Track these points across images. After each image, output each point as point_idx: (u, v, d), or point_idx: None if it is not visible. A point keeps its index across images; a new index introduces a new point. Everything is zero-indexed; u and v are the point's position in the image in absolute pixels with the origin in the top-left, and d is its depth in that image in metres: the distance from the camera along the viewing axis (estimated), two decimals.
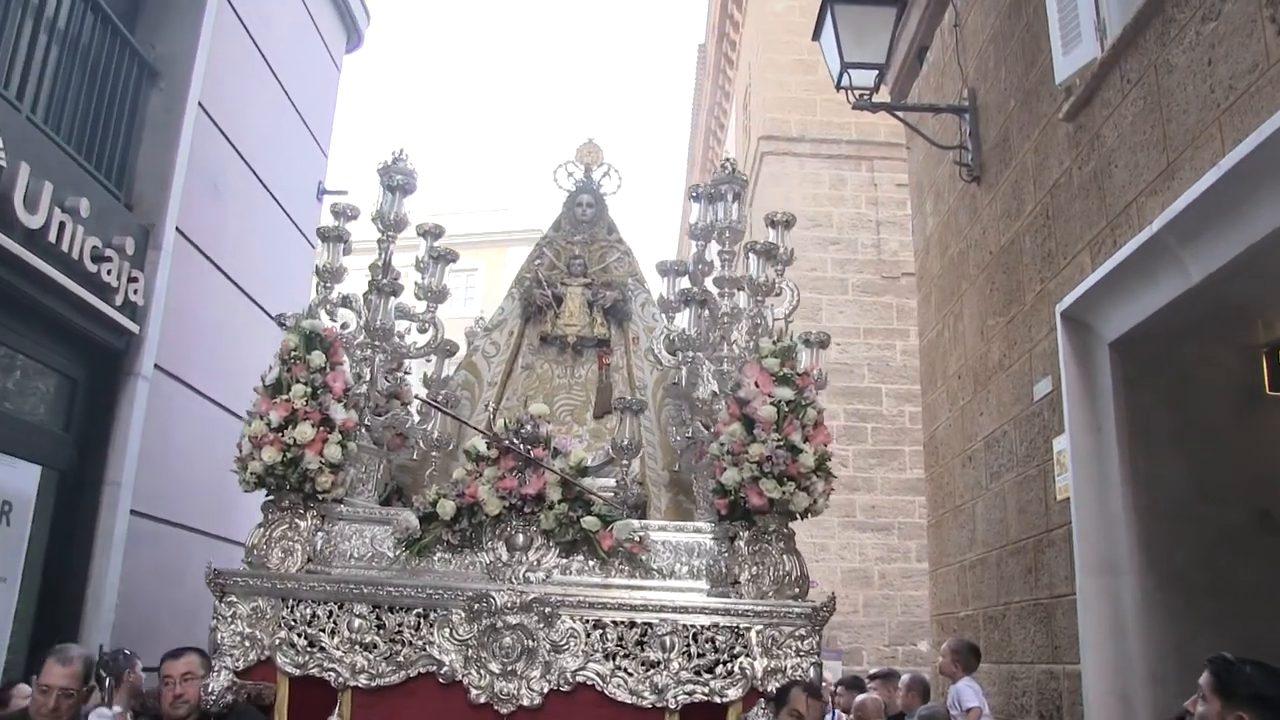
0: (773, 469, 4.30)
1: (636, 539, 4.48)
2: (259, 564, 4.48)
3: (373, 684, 4.28)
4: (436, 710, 4.26)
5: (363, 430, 4.96)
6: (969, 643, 6.12)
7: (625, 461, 4.91)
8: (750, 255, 5.14)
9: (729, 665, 4.24)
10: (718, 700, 4.20)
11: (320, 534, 4.58)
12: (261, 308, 8.10)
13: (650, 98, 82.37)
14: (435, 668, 4.28)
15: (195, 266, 7.27)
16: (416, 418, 5.36)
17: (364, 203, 5.47)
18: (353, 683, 4.27)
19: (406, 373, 5.77)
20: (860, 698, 7.18)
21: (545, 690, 4.23)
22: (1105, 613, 4.96)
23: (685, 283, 5.52)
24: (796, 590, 4.40)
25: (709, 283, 5.44)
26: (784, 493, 4.30)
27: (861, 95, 7.26)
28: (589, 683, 4.24)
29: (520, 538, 4.55)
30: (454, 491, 4.57)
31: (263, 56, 8.29)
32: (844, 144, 14.50)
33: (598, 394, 5.69)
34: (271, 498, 4.60)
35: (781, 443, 4.33)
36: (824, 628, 4.37)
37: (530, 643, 4.27)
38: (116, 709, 3.85)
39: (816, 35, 7.53)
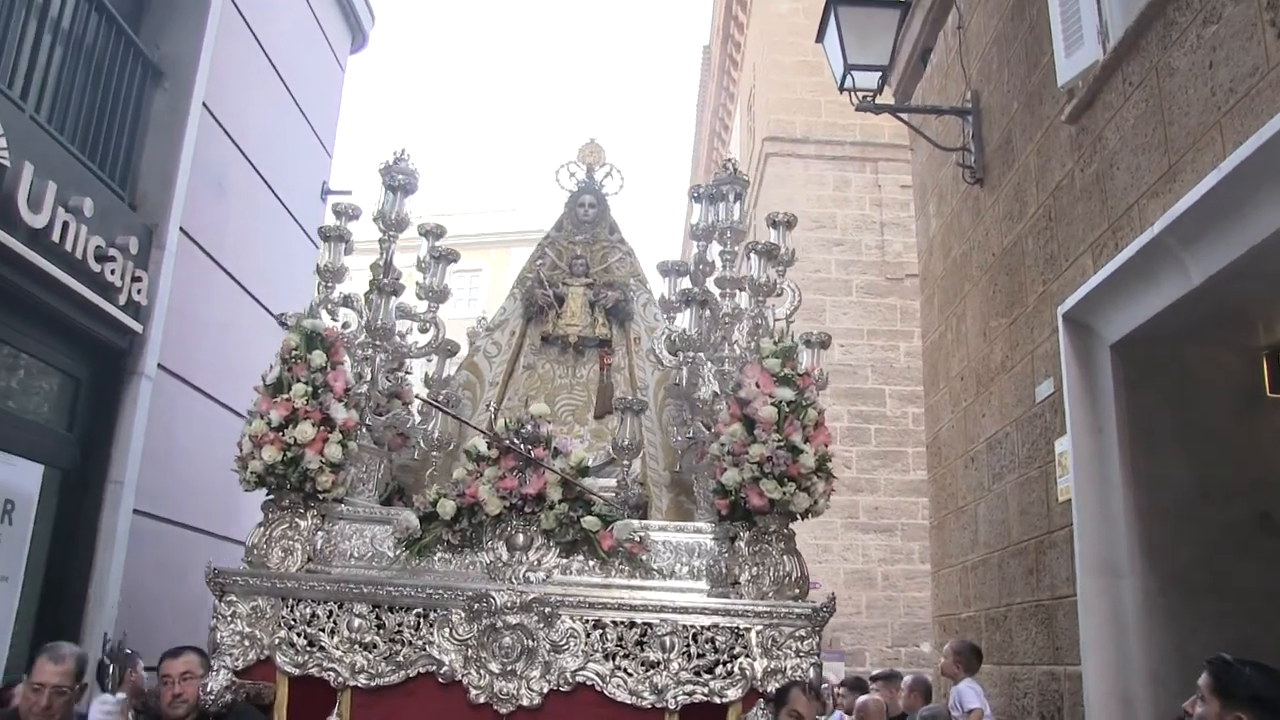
0: (773, 469, 4.30)
1: (636, 539, 4.48)
2: (259, 563, 4.48)
3: (372, 684, 4.27)
4: (436, 710, 4.26)
5: (363, 430, 4.96)
6: (971, 644, 6.12)
7: (626, 462, 4.91)
8: (751, 255, 5.14)
9: (729, 666, 4.24)
10: (717, 701, 4.19)
11: (320, 533, 4.58)
12: (265, 308, 8.11)
13: (655, 99, 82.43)
14: (435, 667, 4.28)
15: (199, 266, 7.29)
16: (417, 417, 5.37)
17: (368, 203, 5.49)
18: (352, 682, 4.27)
19: (408, 372, 5.77)
20: (862, 699, 7.19)
21: (545, 690, 4.22)
22: (1106, 614, 4.96)
23: (686, 283, 5.53)
24: (797, 591, 4.40)
25: (710, 283, 5.44)
26: (784, 493, 4.30)
27: (865, 97, 7.25)
28: (588, 683, 4.23)
29: (520, 538, 4.55)
30: (454, 491, 4.57)
31: (267, 57, 8.31)
32: (848, 145, 14.50)
33: (599, 394, 5.69)
34: (272, 497, 4.60)
35: (782, 443, 4.33)
36: (825, 629, 4.38)
37: (530, 643, 4.27)
38: (120, 695, 3.82)
39: (820, 37, 7.53)
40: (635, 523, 4.55)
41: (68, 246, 5.68)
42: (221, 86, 7.35)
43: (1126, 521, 4.97)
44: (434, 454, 5.14)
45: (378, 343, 5.23)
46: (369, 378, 5.18)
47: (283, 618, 4.39)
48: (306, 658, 4.33)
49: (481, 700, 4.22)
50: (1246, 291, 4.44)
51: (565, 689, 4.23)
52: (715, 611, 4.30)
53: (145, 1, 7.10)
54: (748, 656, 4.24)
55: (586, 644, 4.29)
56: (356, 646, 4.33)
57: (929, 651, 11.12)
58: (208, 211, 7.33)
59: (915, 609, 12.67)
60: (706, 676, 4.23)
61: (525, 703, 4.20)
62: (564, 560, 4.54)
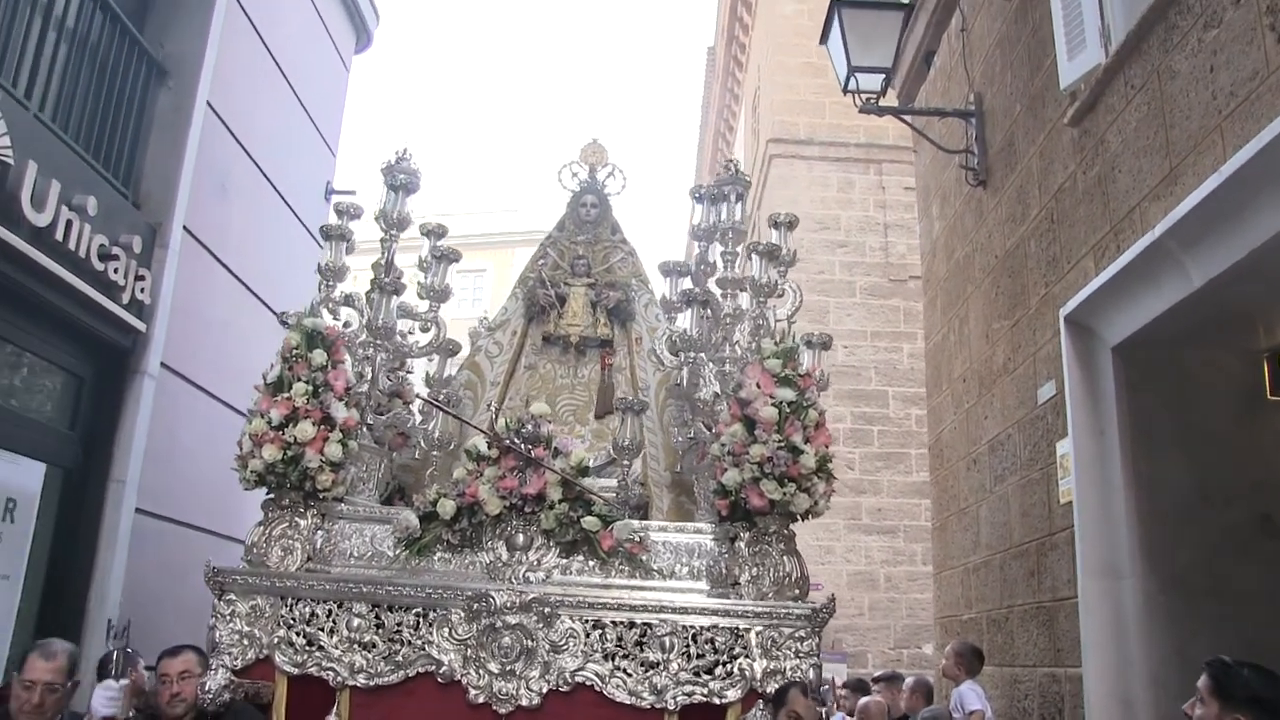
0: (774, 470, 4.30)
1: (636, 539, 4.48)
2: (258, 562, 4.49)
3: (371, 683, 4.28)
4: (435, 710, 4.26)
5: (364, 429, 4.97)
6: (972, 645, 6.11)
7: (626, 462, 4.92)
8: (753, 256, 5.15)
9: (728, 666, 4.24)
10: (717, 701, 4.20)
11: (320, 533, 4.59)
12: (269, 307, 8.11)
13: (660, 100, 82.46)
14: (434, 667, 4.29)
15: (202, 265, 7.29)
16: (418, 417, 5.37)
17: (372, 203, 5.50)
18: (351, 682, 4.28)
19: (409, 372, 5.77)
20: (864, 700, 7.19)
21: (544, 690, 4.23)
22: (1107, 616, 4.96)
23: (688, 283, 5.53)
24: (797, 592, 4.40)
25: (712, 283, 5.45)
26: (785, 494, 4.31)
27: (868, 99, 7.25)
28: (588, 683, 4.24)
29: (520, 537, 4.56)
30: (454, 491, 4.58)
31: (271, 56, 8.31)
32: (852, 147, 14.50)
33: (600, 394, 5.70)
34: (272, 496, 4.61)
35: (783, 444, 4.33)
36: (827, 630, 4.38)
37: (529, 643, 4.28)
38: (124, 682, 3.80)
39: (824, 39, 7.53)
40: (635, 523, 4.56)
41: (71, 245, 5.68)
42: (226, 86, 7.35)
43: (1127, 523, 4.96)
44: (434, 453, 5.14)
45: (379, 342, 5.24)
46: (370, 377, 5.19)
47: (282, 617, 4.39)
48: (305, 657, 4.33)
49: (480, 700, 4.23)
50: (1247, 294, 4.44)
51: (564, 689, 4.23)
52: (715, 612, 4.30)
53: (150, 0, 7.11)
54: (747, 657, 4.24)
55: (586, 644, 4.29)
56: (356, 646, 4.33)
57: (931, 653, 11.10)
58: (211, 210, 7.34)
59: (917, 611, 12.66)
60: (706, 677, 4.23)
61: (524, 703, 4.21)
62: (564, 560, 4.54)
